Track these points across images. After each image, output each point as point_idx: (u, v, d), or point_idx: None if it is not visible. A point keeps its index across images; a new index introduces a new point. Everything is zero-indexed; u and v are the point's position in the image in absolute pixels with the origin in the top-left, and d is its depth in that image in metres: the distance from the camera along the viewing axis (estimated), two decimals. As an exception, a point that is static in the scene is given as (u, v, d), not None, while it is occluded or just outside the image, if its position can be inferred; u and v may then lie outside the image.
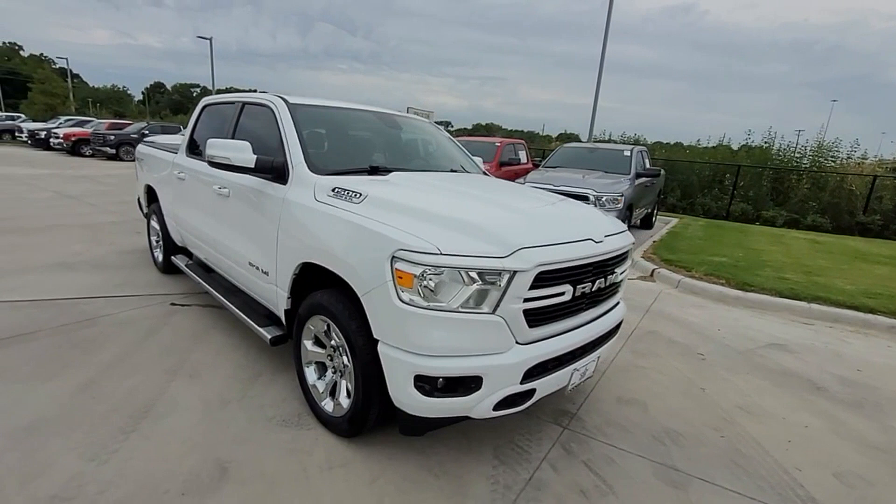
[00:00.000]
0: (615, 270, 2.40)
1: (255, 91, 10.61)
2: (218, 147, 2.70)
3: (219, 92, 27.48)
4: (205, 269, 3.88)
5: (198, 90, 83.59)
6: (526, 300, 1.91)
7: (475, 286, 1.82)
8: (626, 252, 2.54)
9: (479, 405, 1.93)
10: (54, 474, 1.97)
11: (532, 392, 2.06)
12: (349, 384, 2.23)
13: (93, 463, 2.05)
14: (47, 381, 2.65)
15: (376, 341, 1.99)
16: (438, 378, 1.87)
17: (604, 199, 6.87)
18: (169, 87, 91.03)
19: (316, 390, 2.45)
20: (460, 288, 1.82)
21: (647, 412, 2.83)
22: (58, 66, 55.57)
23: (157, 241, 4.70)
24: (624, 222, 3.58)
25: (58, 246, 5.38)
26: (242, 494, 1.95)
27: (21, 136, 23.03)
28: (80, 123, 21.70)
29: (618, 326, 2.63)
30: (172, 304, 3.93)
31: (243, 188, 2.93)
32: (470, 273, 1.81)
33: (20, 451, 2.09)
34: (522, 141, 11.87)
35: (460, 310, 1.83)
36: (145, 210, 5.06)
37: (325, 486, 2.03)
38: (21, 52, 69.33)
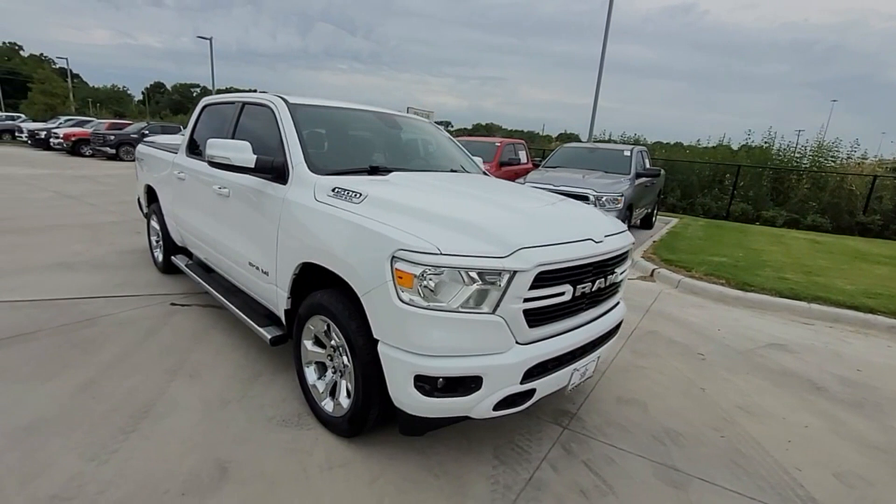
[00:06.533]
0: (615, 270, 2.40)
1: (255, 91, 10.61)
2: (218, 147, 2.70)
3: (219, 92, 27.48)
4: (205, 269, 3.87)
5: (198, 90, 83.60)
6: (526, 300, 1.91)
7: (475, 286, 1.82)
8: (626, 252, 2.54)
9: (479, 405, 1.93)
10: (54, 474, 1.97)
11: (532, 392, 2.06)
12: (349, 384, 2.23)
13: (93, 463, 2.05)
14: (47, 381, 2.65)
15: (376, 341, 1.99)
16: (438, 378, 1.87)
17: (604, 199, 6.87)
18: (169, 87, 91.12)
19: (316, 390, 2.45)
20: (460, 288, 1.82)
21: (647, 412, 2.83)
22: (58, 66, 55.63)
23: (157, 241, 4.70)
24: (624, 222, 3.58)
25: (58, 246, 5.38)
26: (242, 494, 1.95)
27: (21, 136, 23.03)
28: (80, 123, 21.71)
29: (618, 326, 2.63)
30: (172, 304, 3.93)
31: (243, 188, 2.93)
32: (470, 273, 1.81)
33: (20, 451, 2.09)
34: (522, 141, 11.87)
35: (460, 310, 1.83)
36: (145, 210, 5.06)
37: (325, 486, 2.03)
38: (21, 52, 69.35)
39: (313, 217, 2.34)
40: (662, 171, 10.51)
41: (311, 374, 2.50)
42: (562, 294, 2.04)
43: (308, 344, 2.47)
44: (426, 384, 1.88)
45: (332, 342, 2.31)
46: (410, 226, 1.94)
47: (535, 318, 1.99)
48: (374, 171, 2.74)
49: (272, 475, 2.07)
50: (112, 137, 17.76)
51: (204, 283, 3.61)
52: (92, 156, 18.33)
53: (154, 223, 4.74)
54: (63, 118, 24.40)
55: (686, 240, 8.65)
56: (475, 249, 1.85)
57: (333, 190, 2.37)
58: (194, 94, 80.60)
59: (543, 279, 1.95)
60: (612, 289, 2.47)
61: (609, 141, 17.28)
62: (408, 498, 2.00)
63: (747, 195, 13.69)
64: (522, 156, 10.73)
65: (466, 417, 2.00)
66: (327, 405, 2.38)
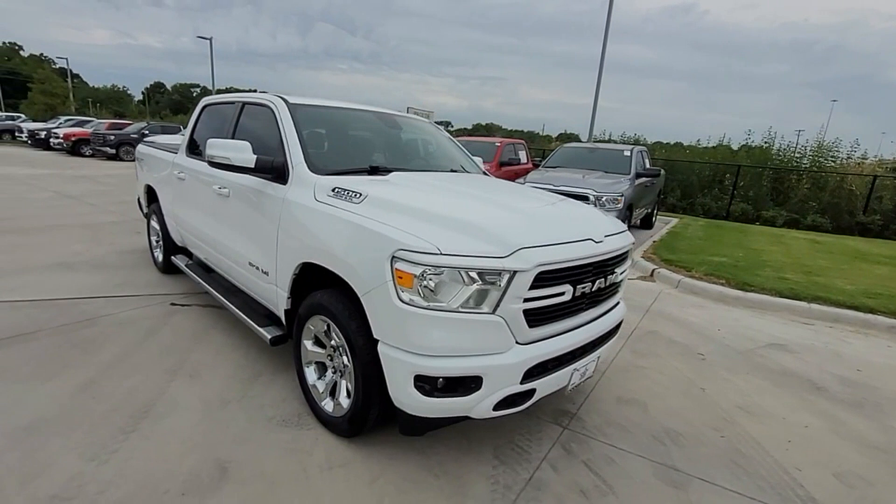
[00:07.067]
0: (615, 270, 2.40)
1: (255, 91, 10.61)
2: (218, 147, 2.70)
3: (219, 92, 27.48)
4: (205, 269, 3.87)
5: (198, 90, 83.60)
6: (526, 300, 1.91)
7: (475, 286, 1.82)
8: (626, 252, 2.54)
9: (479, 405, 1.93)
10: (54, 474, 1.97)
11: (532, 392, 2.06)
12: (349, 384, 2.23)
13: (93, 463, 2.05)
14: (47, 381, 2.65)
15: (376, 341, 1.99)
16: (438, 378, 1.87)
17: (604, 199, 6.87)
18: (169, 87, 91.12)
19: (316, 390, 2.45)
20: (460, 288, 1.82)
21: (647, 412, 2.83)
22: (58, 66, 55.64)
23: (157, 241, 4.70)
24: (624, 222, 3.58)
25: (58, 246, 5.38)
26: (242, 494, 1.95)
27: (21, 136, 23.03)
28: (80, 123, 21.71)
29: (618, 326, 2.63)
30: (172, 304, 3.93)
31: (243, 188, 2.93)
32: (470, 273, 1.81)
33: (20, 451, 2.09)
34: (522, 141, 11.86)
35: (460, 310, 1.83)
36: (145, 210, 5.07)
37: (325, 486, 2.03)
38: (21, 52, 69.34)
39: (313, 217, 2.34)
40: (662, 171, 10.50)
41: (311, 374, 2.50)
42: (562, 294, 2.04)
43: (308, 344, 2.47)
44: (426, 384, 1.88)
45: (332, 342, 2.31)
46: (410, 226, 1.94)
47: (535, 318, 1.99)
48: (374, 171, 2.74)
49: (272, 475, 2.07)
50: (112, 137, 17.75)
51: (204, 283, 3.61)
52: (92, 156, 18.33)
53: (154, 223, 4.74)
54: (63, 118, 24.39)
55: (686, 240, 8.65)
56: (475, 249, 1.85)
57: (333, 190, 2.36)
58: (194, 94, 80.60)
59: (543, 279, 1.95)
60: (612, 289, 2.47)
61: (609, 141, 17.27)
62: (408, 498, 2.00)
63: (747, 195, 13.69)
64: (522, 156, 10.73)
65: (466, 417, 2.00)
66: (327, 405, 2.38)
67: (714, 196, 14.12)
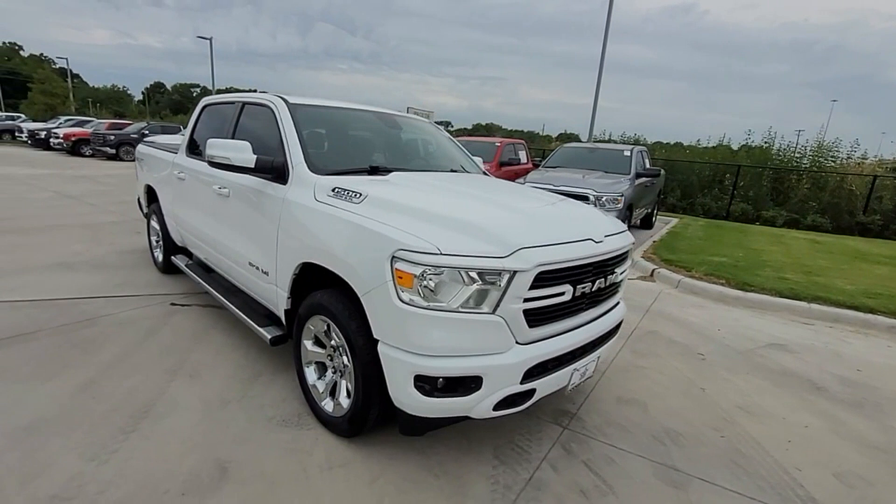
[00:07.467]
0: (615, 270, 2.40)
1: (255, 91, 10.60)
2: (218, 147, 2.70)
3: (219, 92, 27.48)
4: (205, 269, 3.87)
5: (198, 90, 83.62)
6: (526, 300, 1.91)
7: (475, 286, 1.82)
8: (626, 252, 2.54)
9: (479, 405, 1.93)
10: (54, 474, 1.97)
11: (532, 392, 2.06)
12: (349, 384, 2.23)
13: (93, 463, 2.05)
14: (47, 381, 2.65)
15: (376, 341, 1.99)
16: (438, 378, 1.87)
17: (604, 199, 6.87)
18: (169, 87, 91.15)
19: (316, 390, 2.45)
20: (460, 288, 1.82)
21: (647, 412, 2.83)
22: (58, 66, 55.66)
23: (157, 241, 4.70)
24: (624, 222, 3.58)
25: (58, 246, 5.38)
26: (242, 494, 1.95)
27: (21, 136, 23.03)
28: (80, 123, 21.71)
29: (618, 326, 2.63)
30: (172, 304, 3.93)
31: (243, 188, 2.93)
32: (470, 273, 1.81)
33: (20, 451, 2.09)
34: (522, 141, 11.86)
35: (460, 310, 1.83)
36: (145, 210, 5.07)
37: (325, 486, 2.03)
38: (21, 52, 69.34)
39: (313, 217, 2.34)
40: (662, 171, 10.50)
41: (311, 374, 2.50)
42: (562, 294, 2.04)
43: (308, 344, 2.47)
44: (426, 384, 1.88)
45: (332, 342, 2.31)
46: (410, 226, 1.94)
47: (536, 318, 1.99)
48: (374, 171, 2.74)
49: (272, 475, 2.07)
50: (112, 137, 17.76)
51: (204, 283, 3.61)
52: (92, 156, 18.32)
53: (154, 223, 4.74)
54: (63, 118, 24.39)
55: (686, 240, 8.65)
56: (475, 249, 1.85)
57: (333, 190, 2.37)
58: (194, 94, 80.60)
59: (543, 279, 1.95)
60: (612, 289, 2.47)
61: (609, 141, 17.28)
62: (408, 498, 2.00)
63: (747, 195, 13.69)
64: (522, 156, 10.73)
65: (466, 417, 2.00)
66: (327, 405, 2.38)
67: (714, 196, 14.12)
